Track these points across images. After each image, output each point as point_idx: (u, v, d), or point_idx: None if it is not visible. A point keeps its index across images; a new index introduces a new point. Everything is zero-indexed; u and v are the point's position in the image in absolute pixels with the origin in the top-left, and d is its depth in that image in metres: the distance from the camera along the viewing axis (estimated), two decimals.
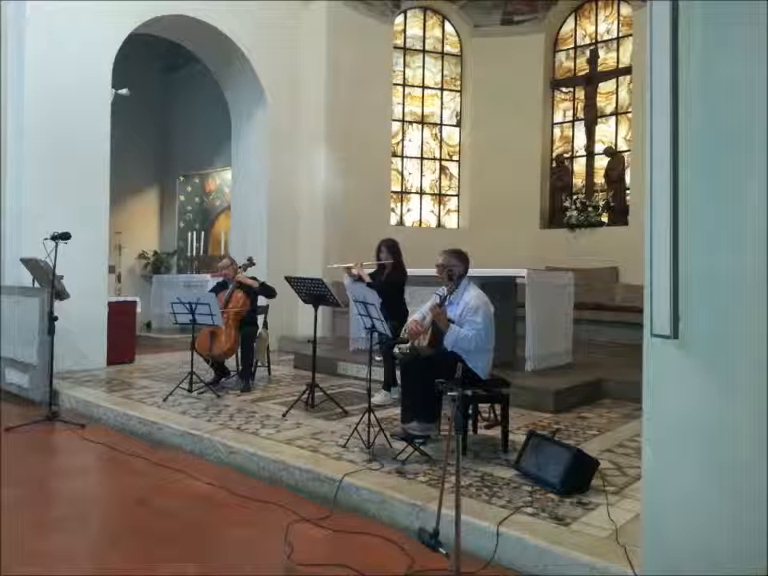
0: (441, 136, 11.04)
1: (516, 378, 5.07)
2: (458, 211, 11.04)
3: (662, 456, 2.16)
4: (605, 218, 9.72)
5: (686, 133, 2.01)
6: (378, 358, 5.35)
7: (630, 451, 3.94)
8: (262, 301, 6.25)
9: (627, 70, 9.67)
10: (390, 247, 5.39)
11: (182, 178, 11.99)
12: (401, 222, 10.67)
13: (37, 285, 6.08)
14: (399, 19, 10.49)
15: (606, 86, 10.08)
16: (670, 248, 2.02)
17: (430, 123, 10.98)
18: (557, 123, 10.59)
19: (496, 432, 4.18)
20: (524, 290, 5.85)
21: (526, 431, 3.77)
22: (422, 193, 10.97)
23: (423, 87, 10.86)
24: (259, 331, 6.10)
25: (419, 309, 4.34)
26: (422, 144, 10.93)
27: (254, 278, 6.00)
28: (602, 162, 9.99)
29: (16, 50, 6.61)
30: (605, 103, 10.11)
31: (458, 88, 10.97)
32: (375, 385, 4.74)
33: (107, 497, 3.72)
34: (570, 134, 10.47)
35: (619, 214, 9.52)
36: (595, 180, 10.09)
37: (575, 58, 10.38)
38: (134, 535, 3.04)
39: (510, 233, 9.83)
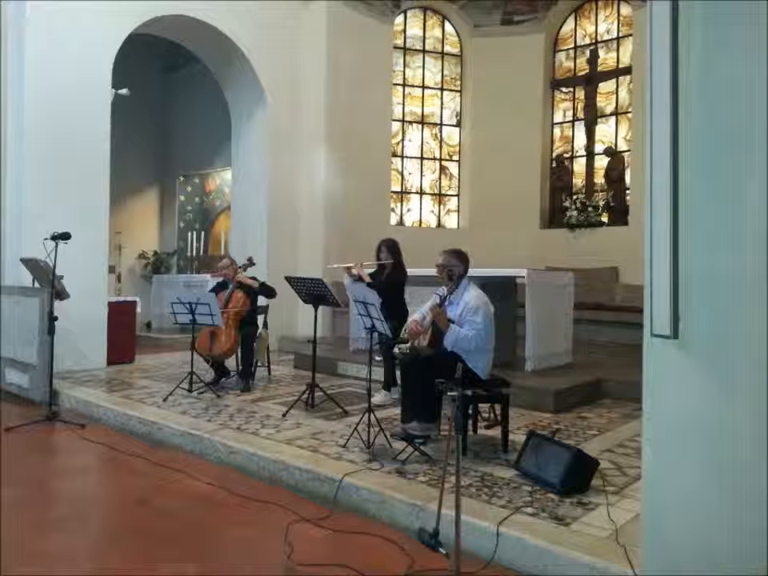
0: (441, 136, 11.04)
1: (516, 377, 5.07)
2: (458, 211, 11.04)
3: (662, 456, 2.16)
4: (605, 218, 9.72)
5: (686, 133, 2.01)
6: (378, 358, 5.35)
7: (630, 451, 3.94)
8: (262, 301, 6.25)
9: (627, 70, 9.67)
10: (390, 247, 5.39)
11: (181, 178, 11.99)
12: (401, 222, 10.67)
13: (37, 285, 6.08)
14: (399, 19, 10.50)
15: (606, 86, 10.08)
16: (670, 248, 2.02)
17: (430, 123, 10.98)
18: (557, 123, 10.60)
19: (496, 432, 4.18)
20: (524, 289, 5.85)
21: (526, 431, 3.77)
22: (422, 193, 10.97)
23: (423, 87, 10.86)
24: (259, 331, 6.10)
25: (419, 309, 4.34)
26: (422, 144, 10.93)
27: (253, 278, 6.00)
28: (602, 162, 9.99)
29: (16, 49, 6.61)
30: (605, 103, 10.11)
31: (458, 88, 10.97)
32: (375, 385, 4.74)
33: (107, 497, 3.72)
34: (570, 134, 10.47)
35: (619, 214, 9.52)
36: (595, 180, 10.09)
37: (575, 58, 10.38)
38: (134, 535, 3.04)
39: (510, 233, 9.83)
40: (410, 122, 10.83)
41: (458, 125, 11.04)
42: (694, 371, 2.05)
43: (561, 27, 10.50)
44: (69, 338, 6.20)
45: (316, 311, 5.09)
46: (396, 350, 4.53)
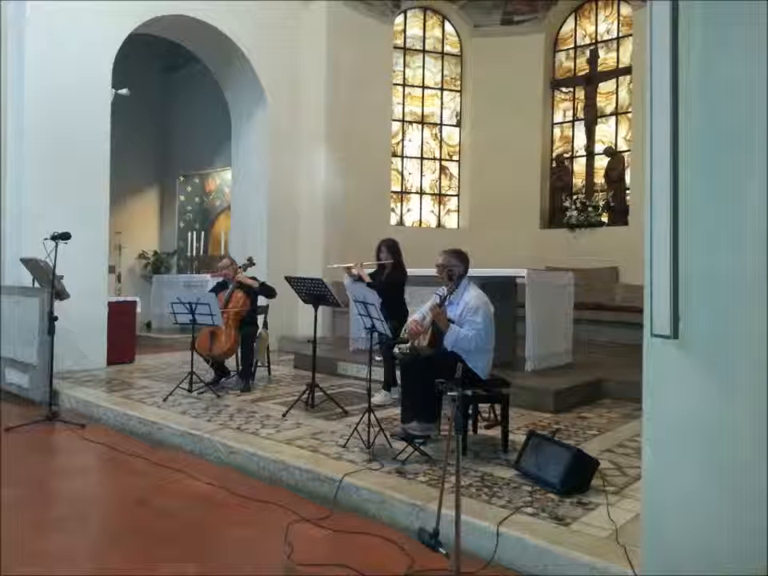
0: (441, 136, 11.04)
1: (516, 377, 5.07)
2: (458, 211, 11.04)
3: (662, 456, 2.16)
4: (605, 218, 9.72)
5: (686, 133, 2.01)
6: (378, 358, 5.35)
7: (630, 451, 3.94)
8: (262, 301, 6.25)
9: (627, 70, 9.67)
10: (390, 247, 5.39)
11: (181, 178, 11.99)
12: (401, 222, 10.67)
13: (37, 285, 6.08)
14: (399, 19, 10.50)
15: (606, 86, 10.08)
16: (670, 248, 2.02)
17: (430, 123, 10.98)
18: (557, 123, 10.59)
19: (496, 432, 4.18)
20: (524, 289, 5.85)
21: (526, 431, 3.77)
22: (422, 193, 10.97)
23: (423, 87, 10.86)
24: (259, 331, 6.10)
25: (419, 309, 4.34)
26: (422, 144, 10.93)
27: (253, 278, 6.00)
28: (602, 162, 9.99)
29: (16, 49, 6.61)
30: (605, 103, 10.11)
31: (458, 88, 10.97)
32: (375, 385, 4.74)
33: (107, 497, 3.72)
34: (570, 134, 10.47)
35: (619, 214, 9.52)
36: (595, 180, 10.09)
37: (575, 58, 10.38)
38: (134, 535, 3.04)
39: (510, 233, 9.83)
40: (410, 122, 10.83)
41: (458, 125, 11.04)
42: (694, 371, 2.05)
43: (561, 27, 10.50)
44: (69, 337, 6.20)
45: (316, 311, 5.09)
46: (396, 349, 4.53)
